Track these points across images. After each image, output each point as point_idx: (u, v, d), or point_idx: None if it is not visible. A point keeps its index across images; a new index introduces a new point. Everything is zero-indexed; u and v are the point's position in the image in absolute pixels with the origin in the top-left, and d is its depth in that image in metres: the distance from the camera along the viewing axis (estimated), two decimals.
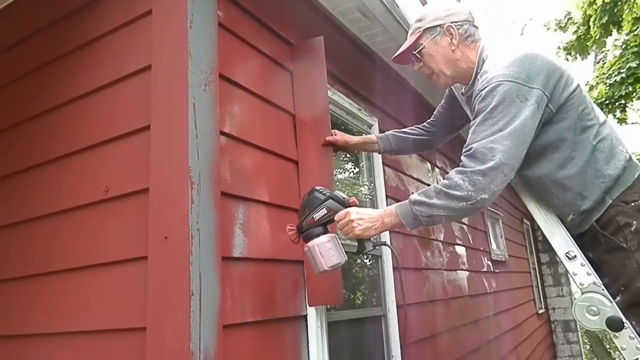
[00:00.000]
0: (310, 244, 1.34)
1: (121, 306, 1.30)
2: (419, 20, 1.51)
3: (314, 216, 1.35)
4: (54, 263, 1.51)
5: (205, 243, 1.20)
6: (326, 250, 1.32)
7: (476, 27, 1.49)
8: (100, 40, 1.55)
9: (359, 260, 2.34)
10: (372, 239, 1.36)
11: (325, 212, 1.35)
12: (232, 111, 1.46)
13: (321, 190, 1.38)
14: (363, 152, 2.41)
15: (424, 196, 1.26)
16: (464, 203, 1.21)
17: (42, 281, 1.53)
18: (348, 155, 2.42)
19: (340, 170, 2.46)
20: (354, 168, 2.51)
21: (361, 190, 2.44)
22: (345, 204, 1.36)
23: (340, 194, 1.38)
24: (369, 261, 2.34)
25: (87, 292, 1.40)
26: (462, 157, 1.25)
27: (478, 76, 1.38)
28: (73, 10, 1.65)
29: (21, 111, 1.75)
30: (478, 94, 1.30)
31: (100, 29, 1.55)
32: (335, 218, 1.35)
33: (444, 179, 1.27)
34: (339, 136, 1.84)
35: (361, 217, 1.32)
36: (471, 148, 1.24)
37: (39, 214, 1.58)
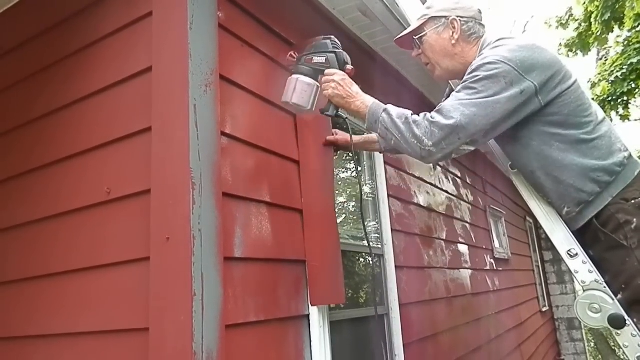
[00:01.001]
0: (295, 76, 1.47)
1: (124, 307, 1.31)
2: (428, 8, 1.52)
3: (314, 58, 1.48)
4: (56, 265, 1.52)
5: (207, 244, 1.21)
6: (301, 89, 1.44)
7: (482, 25, 1.49)
8: (101, 42, 1.56)
9: (361, 259, 2.34)
10: (340, 110, 1.48)
11: (323, 60, 1.46)
12: (233, 112, 1.46)
13: (334, 42, 1.49)
14: (364, 152, 2.41)
15: (395, 113, 1.35)
16: (415, 141, 1.29)
17: (44, 283, 1.54)
18: (349, 155, 2.42)
19: (342, 170, 2.46)
20: (356, 167, 2.51)
21: (363, 190, 2.45)
22: (342, 66, 1.46)
23: (345, 56, 1.48)
24: (371, 260, 2.34)
25: (89, 293, 1.40)
26: (432, 112, 1.32)
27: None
28: (74, 12, 1.66)
29: (23, 114, 1.76)
30: (470, 67, 1.33)
31: (101, 31, 1.55)
32: (326, 72, 1.46)
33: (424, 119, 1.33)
34: (340, 136, 1.84)
35: (341, 85, 1.42)
36: (441, 105, 1.31)
37: (41, 216, 1.59)
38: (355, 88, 1.44)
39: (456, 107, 1.27)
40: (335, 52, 1.46)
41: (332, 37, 1.50)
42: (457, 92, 1.31)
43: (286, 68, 1.56)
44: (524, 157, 1.35)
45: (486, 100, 1.25)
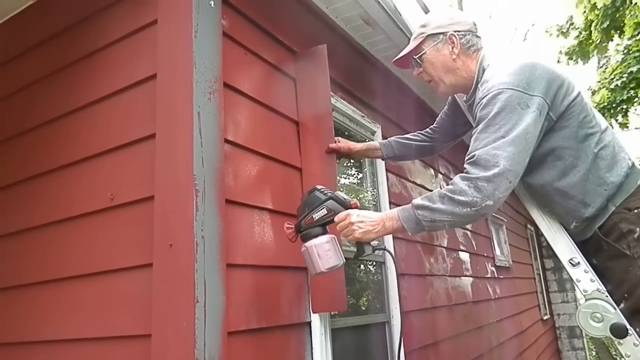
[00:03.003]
0: (308, 244, 1.31)
1: (126, 313, 1.31)
2: (423, 26, 1.52)
3: (314, 216, 1.32)
4: (57, 271, 1.52)
5: (210, 250, 1.21)
6: (324, 252, 1.29)
7: (479, 37, 1.49)
8: (106, 49, 1.57)
9: (362, 267, 2.34)
10: (372, 243, 1.34)
11: (326, 212, 1.32)
12: (236, 119, 1.47)
13: (322, 189, 1.36)
14: (366, 159, 2.42)
15: (428, 201, 1.25)
16: (469, 209, 1.20)
17: (44, 289, 1.54)
18: (351, 162, 2.42)
19: (344, 176, 2.47)
20: (358, 174, 2.51)
21: (365, 196, 2.45)
22: (347, 205, 1.33)
23: (341, 194, 1.35)
24: (373, 267, 2.34)
25: (92, 299, 1.41)
26: (466, 165, 1.25)
27: (479, 85, 1.38)
28: (79, 20, 1.68)
29: (25, 120, 1.77)
30: (479, 102, 1.30)
31: (106, 38, 1.57)
32: (336, 219, 1.32)
33: (447, 185, 1.26)
34: (342, 143, 1.85)
35: (362, 220, 1.29)
36: (474, 155, 1.23)
37: (42, 223, 1.60)
38: (372, 213, 1.33)
39: (492, 153, 1.20)
40: (331, 197, 1.33)
41: (317, 186, 1.38)
42: (479, 133, 1.26)
43: (288, 238, 1.38)
44: (537, 171, 1.33)
45: (517, 134, 1.21)
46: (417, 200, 1.27)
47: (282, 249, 1.53)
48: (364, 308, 2.22)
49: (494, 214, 4.78)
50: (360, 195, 2.45)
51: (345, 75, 2.27)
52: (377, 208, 2.43)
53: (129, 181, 1.40)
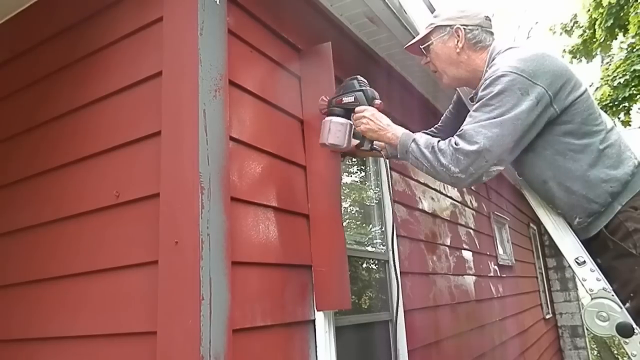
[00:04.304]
0: (328, 118, 1.55)
1: (132, 310, 1.31)
2: (435, 17, 1.54)
3: (343, 99, 1.55)
4: (62, 268, 1.52)
5: (216, 248, 1.21)
6: (336, 129, 1.51)
7: (490, 32, 1.49)
8: (111, 47, 1.57)
9: (365, 265, 2.34)
10: (374, 143, 1.55)
11: (353, 100, 1.53)
12: (241, 117, 1.47)
13: (361, 81, 1.56)
14: (370, 157, 2.42)
15: (422, 143, 1.37)
16: (443, 170, 1.31)
17: (49, 286, 1.55)
18: (355, 160, 2.42)
19: (348, 174, 2.46)
20: (361, 172, 2.51)
21: (368, 194, 2.45)
22: (370, 102, 1.52)
23: (372, 92, 1.55)
24: (376, 265, 2.34)
25: (97, 296, 1.41)
26: (454, 136, 1.32)
27: (487, 69, 1.39)
28: (84, 17, 1.68)
29: (30, 117, 1.77)
30: (482, 82, 1.32)
31: (111, 35, 1.57)
32: (356, 109, 1.52)
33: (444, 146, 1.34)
34: None
35: (372, 119, 1.48)
36: (462, 129, 1.30)
37: (49, 220, 1.60)
38: (386, 120, 1.48)
39: (478, 130, 1.26)
40: (362, 90, 1.52)
41: (359, 76, 1.58)
42: (474, 111, 1.31)
43: (319, 110, 1.66)
44: (537, 166, 1.35)
45: (507, 117, 1.24)
46: (418, 137, 1.41)
47: (287, 247, 1.54)
48: (367, 306, 2.22)
49: (497, 212, 4.77)
50: (363, 194, 2.45)
51: (349, 73, 2.25)
52: (380, 206, 2.43)
53: (135, 178, 1.40)
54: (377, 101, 1.53)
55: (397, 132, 1.45)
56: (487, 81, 1.31)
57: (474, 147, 1.25)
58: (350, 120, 1.54)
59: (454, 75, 1.50)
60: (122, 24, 1.55)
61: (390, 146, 1.50)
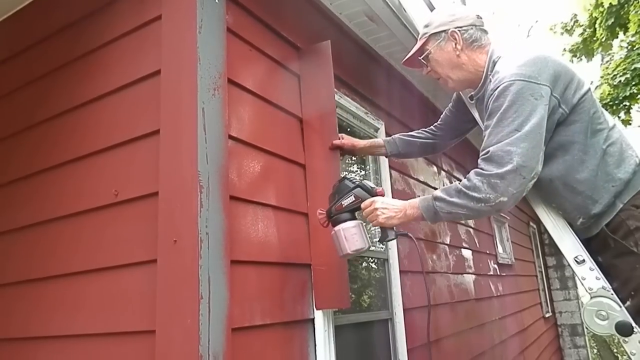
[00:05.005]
0: (337, 228, 1.43)
1: (130, 309, 1.31)
2: (426, 26, 1.53)
3: (343, 202, 1.44)
4: (61, 267, 1.52)
5: (214, 246, 1.21)
6: (351, 235, 1.41)
7: (484, 31, 1.49)
8: (110, 45, 1.56)
9: (365, 264, 2.34)
10: (394, 229, 1.43)
11: (353, 199, 1.43)
12: (240, 115, 1.47)
13: (351, 178, 1.48)
14: (370, 156, 2.41)
15: (446, 194, 1.30)
16: (482, 204, 1.24)
17: (48, 285, 1.54)
18: (354, 158, 2.42)
19: (347, 173, 2.46)
20: (361, 171, 2.51)
21: None
22: (372, 193, 1.43)
23: (368, 183, 1.46)
24: (375, 264, 2.34)
25: (95, 295, 1.41)
26: (480, 160, 1.26)
27: (490, 77, 1.38)
28: (83, 15, 1.67)
29: (29, 116, 1.77)
30: (491, 94, 1.31)
31: (110, 34, 1.56)
32: (362, 206, 1.42)
33: (464, 178, 1.29)
34: (346, 140, 1.84)
35: (386, 207, 1.38)
36: (488, 151, 1.25)
37: (48, 218, 1.60)
38: (396, 201, 1.41)
39: (506, 149, 1.21)
40: (359, 186, 1.44)
41: (345, 175, 1.49)
42: (493, 128, 1.26)
43: (320, 224, 1.50)
44: (546, 165, 1.33)
45: (530, 128, 1.21)
46: (437, 192, 1.33)
47: (286, 246, 1.53)
48: (366, 305, 2.22)
49: None
50: None
51: (349, 71, 2.26)
52: None
53: (134, 177, 1.40)
54: (379, 189, 1.45)
55: (413, 204, 1.37)
56: (496, 93, 1.28)
57: (508, 167, 1.19)
58: (357, 219, 1.45)
59: (459, 77, 1.50)
60: (121, 22, 1.54)
61: (416, 221, 1.41)
